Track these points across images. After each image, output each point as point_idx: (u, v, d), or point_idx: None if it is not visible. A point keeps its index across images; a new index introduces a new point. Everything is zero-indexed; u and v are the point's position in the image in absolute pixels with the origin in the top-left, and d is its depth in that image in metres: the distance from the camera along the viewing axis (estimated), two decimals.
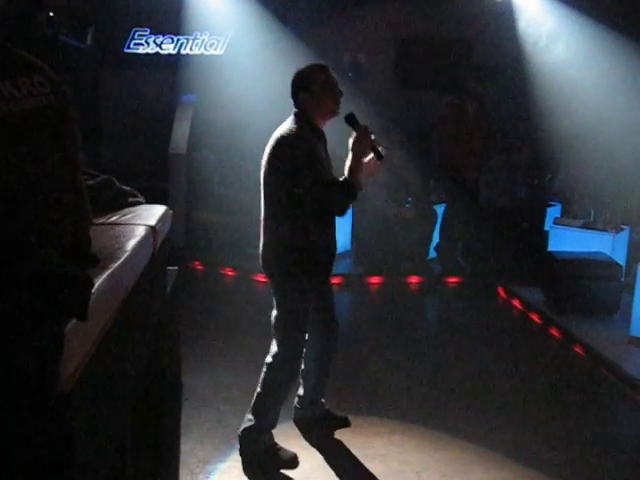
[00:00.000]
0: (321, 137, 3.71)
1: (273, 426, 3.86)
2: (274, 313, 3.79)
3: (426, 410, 4.51)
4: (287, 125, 3.61)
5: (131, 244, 2.18)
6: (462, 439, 4.14)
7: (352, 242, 8.31)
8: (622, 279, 6.55)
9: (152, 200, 3.02)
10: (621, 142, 7.61)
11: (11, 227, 1.57)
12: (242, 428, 3.83)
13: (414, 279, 7.72)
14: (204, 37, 9.00)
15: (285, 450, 3.82)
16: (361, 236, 8.13)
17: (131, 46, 8.98)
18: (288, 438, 3.97)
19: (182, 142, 8.04)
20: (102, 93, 9.18)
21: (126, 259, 2.04)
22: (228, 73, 8.53)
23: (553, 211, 8.13)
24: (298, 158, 3.50)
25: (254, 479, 3.68)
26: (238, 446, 3.84)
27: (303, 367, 4.06)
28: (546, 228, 7.74)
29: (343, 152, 3.70)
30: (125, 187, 2.89)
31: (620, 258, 6.92)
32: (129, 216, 2.60)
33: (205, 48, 9.01)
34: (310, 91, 3.61)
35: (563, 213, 8.11)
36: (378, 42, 9.58)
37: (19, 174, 1.61)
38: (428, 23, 9.50)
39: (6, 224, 1.57)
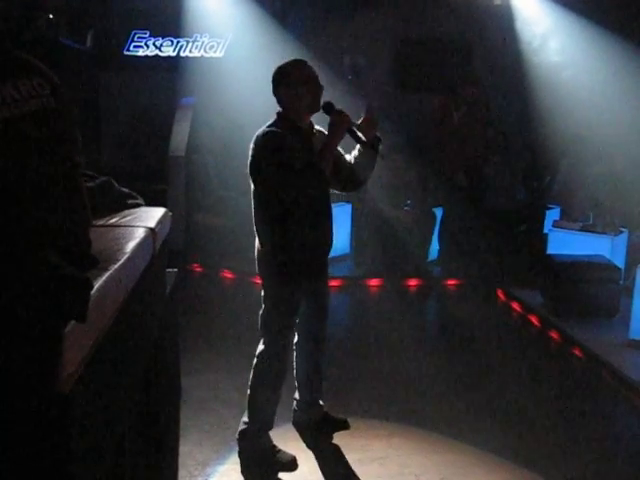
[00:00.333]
0: (301, 133, 3.65)
1: (269, 427, 3.85)
2: (260, 311, 3.80)
3: (425, 413, 4.51)
4: (263, 127, 3.63)
5: (131, 246, 2.18)
6: (462, 442, 4.14)
7: (351, 245, 8.31)
8: (621, 282, 6.55)
9: (151, 202, 3.02)
10: (620, 145, 7.61)
11: (11, 228, 1.57)
12: (239, 430, 3.84)
13: (413, 282, 7.72)
14: (204, 39, 8.99)
15: (284, 453, 3.82)
16: (360, 239, 8.13)
17: (131, 48, 8.98)
18: (287, 441, 3.96)
19: (181, 144, 8.04)
20: (102, 95, 9.17)
21: (125, 261, 2.04)
22: (228, 75, 8.52)
23: (552, 214, 8.13)
24: (265, 153, 3.52)
25: None
26: (237, 448, 3.85)
27: (295, 370, 4.07)
28: (545, 231, 7.74)
29: None
30: (124, 189, 2.89)
31: (619, 261, 6.92)
32: (129, 218, 2.60)
33: (205, 50, 9.00)
34: (288, 85, 3.61)
35: (562, 216, 8.12)
36: (377, 44, 9.58)
37: (19, 176, 1.61)
38: (427, 25, 9.51)
39: (6, 225, 1.57)
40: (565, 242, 7.22)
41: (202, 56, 9.00)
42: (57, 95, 1.80)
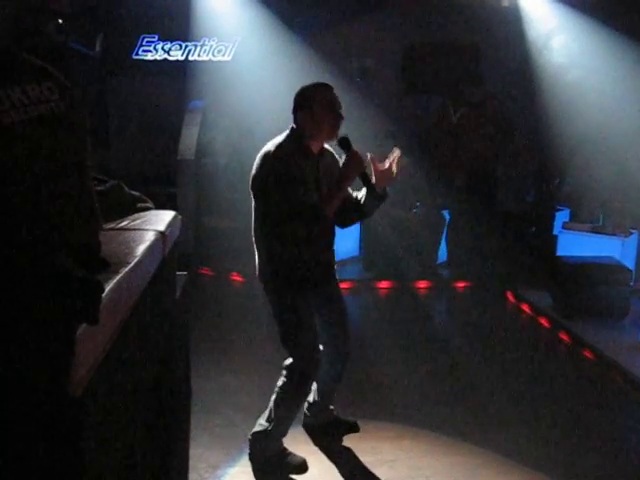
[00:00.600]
0: (313, 157, 3.61)
1: (283, 434, 3.86)
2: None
3: (435, 415, 4.50)
4: (275, 141, 3.58)
5: (141, 249, 2.19)
6: (472, 444, 4.13)
7: (360, 248, 8.31)
8: (631, 283, 6.53)
9: (161, 206, 3.03)
10: (629, 146, 7.59)
11: (22, 233, 1.58)
12: (253, 431, 3.84)
13: (423, 284, 7.72)
14: (212, 43, 9.01)
15: (294, 455, 3.82)
16: (369, 241, 8.13)
17: (139, 53, 9.01)
18: (297, 443, 3.97)
19: (191, 148, 8.06)
20: (111, 99, 9.21)
21: (136, 264, 2.04)
22: (236, 79, 8.54)
23: (562, 216, 8.12)
24: (270, 179, 3.48)
25: None
26: (247, 451, 3.85)
27: (319, 377, 4.06)
28: (555, 233, 7.73)
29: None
30: (134, 193, 2.90)
31: (629, 262, 6.91)
32: (138, 221, 2.61)
33: (213, 54, 9.02)
34: (310, 109, 3.54)
35: (572, 218, 8.10)
36: (385, 47, 9.58)
37: (29, 180, 1.62)
38: (435, 28, 9.49)
39: (16, 230, 1.58)
40: (575, 244, 7.21)
41: (210, 60, 9.01)
42: (67, 99, 1.80)
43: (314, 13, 9.22)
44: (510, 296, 7.30)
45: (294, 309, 3.68)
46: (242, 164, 7.89)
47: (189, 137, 8.12)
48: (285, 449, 3.84)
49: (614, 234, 7.09)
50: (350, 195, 3.78)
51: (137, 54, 9.00)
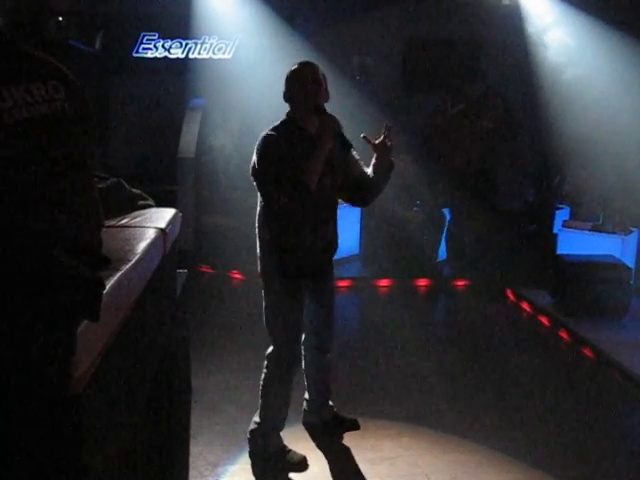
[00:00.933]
0: (310, 137, 3.59)
1: (279, 428, 3.86)
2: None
3: (435, 412, 4.51)
4: (271, 125, 3.64)
5: (141, 246, 2.19)
6: (472, 441, 4.14)
7: (360, 245, 8.31)
8: (631, 282, 6.53)
9: (161, 203, 3.03)
10: (629, 144, 7.59)
11: (23, 230, 1.58)
12: (249, 429, 3.86)
13: (423, 282, 7.72)
14: (212, 41, 9.01)
15: (294, 453, 3.83)
16: (369, 239, 8.13)
17: (140, 50, 9.01)
18: (297, 441, 3.97)
19: (191, 146, 8.06)
20: (111, 97, 9.21)
21: (137, 261, 2.04)
22: (236, 77, 8.54)
23: (562, 214, 8.11)
24: (256, 156, 3.53)
25: None
26: (247, 449, 3.86)
27: (304, 370, 4.08)
28: (555, 231, 7.73)
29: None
30: (135, 190, 2.90)
31: (629, 261, 6.91)
32: (139, 219, 2.61)
33: (213, 52, 9.02)
34: (288, 89, 3.64)
35: (572, 216, 8.10)
36: (386, 45, 9.57)
37: (30, 179, 1.62)
38: (435, 26, 9.49)
39: (18, 227, 1.58)
40: (575, 242, 7.21)
41: (211, 58, 9.02)
42: (72, 98, 1.80)
43: (314, 11, 9.22)
44: (510, 294, 7.30)
45: (280, 297, 3.70)
46: (242, 161, 7.91)
47: (189, 135, 8.13)
48: (285, 446, 3.85)
49: (614, 232, 7.09)
50: (355, 167, 3.80)
51: (137, 52, 9.01)
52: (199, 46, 9.03)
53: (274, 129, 3.59)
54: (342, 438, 4.11)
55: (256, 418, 3.86)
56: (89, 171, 1.87)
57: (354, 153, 3.81)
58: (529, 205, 8.21)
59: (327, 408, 4.17)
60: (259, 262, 3.78)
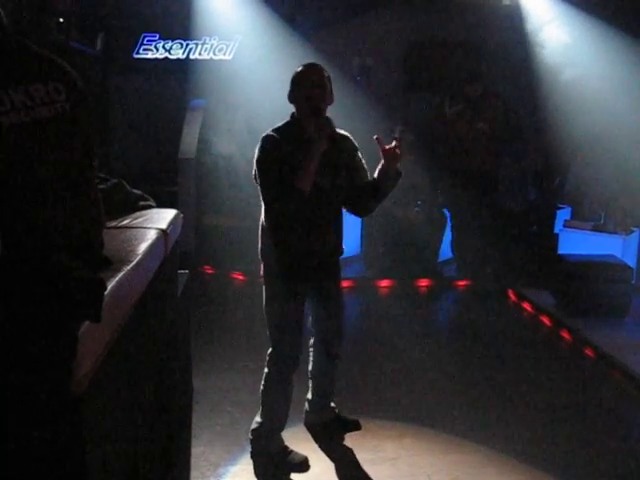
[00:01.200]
0: (307, 141, 3.55)
1: (280, 428, 3.87)
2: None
3: (437, 413, 4.50)
4: (274, 126, 3.65)
5: (143, 247, 2.19)
6: (473, 442, 4.13)
7: (361, 246, 8.31)
8: (633, 281, 6.53)
9: (162, 204, 3.04)
10: (631, 144, 7.58)
11: (25, 231, 1.58)
12: (250, 429, 3.87)
13: (424, 282, 7.72)
14: (213, 42, 9.01)
15: (296, 453, 3.83)
16: (370, 240, 8.13)
17: (140, 51, 9.01)
18: (299, 441, 3.97)
19: (192, 147, 8.06)
20: (112, 98, 9.21)
21: (138, 262, 2.05)
22: (237, 78, 8.54)
23: (563, 214, 8.11)
24: (256, 156, 3.54)
25: None
26: (249, 449, 3.86)
27: (310, 370, 4.08)
28: (556, 231, 7.72)
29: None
30: (136, 191, 2.91)
31: (630, 260, 6.90)
32: (140, 220, 2.62)
33: (214, 53, 9.02)
34: (291, 91, 3.64)
35: (573, 216, 8.09)
36: (386, 46, 9.57)
37: (31, 180, 1.62)
38: (436, 26, 9.49)
39: (20, 229, 1.58)
40: (576, 242, 7.21)
41: (211, 58, 9.02)
42: (73, 99, 1.79)
43: (315, 11, 9.22)
44: (511, 294, 7.30)
45: (279, 299, 3.70)
46: (243, 162, 7.91)
47: (190, 136, 8.12)
48: (287, 447, 3.85)
49: (615, 232, 7.09)
50: (365, 180, 3.78)
51: (138, 53, 9.00)
52: (200, 47, 9.02)
53: (276, 130, 3.59)
54: (343, 439, 4.10)
55: (257, 418, 3.87)
56: (91, 172, 1.87)
57: (361, 159, 3.80)
58: (530, 205, 8.20)
59: (329, 409, 4.17)
60: (261, 263, 3.78)
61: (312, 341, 4.04)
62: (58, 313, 1.47)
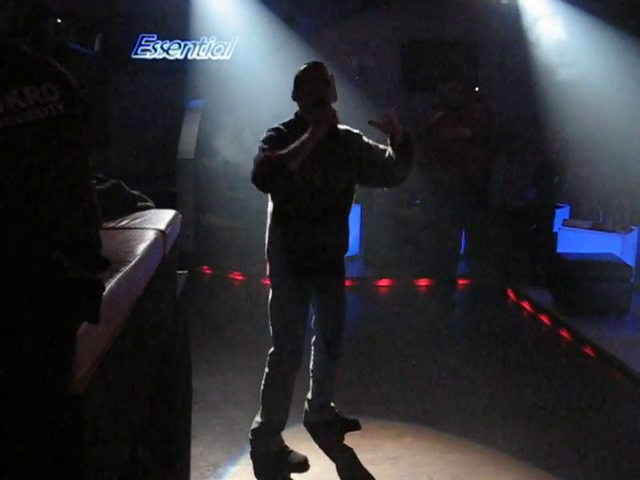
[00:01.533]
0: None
1: (280, 428, 3.87)
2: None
3: (436, 412, 4.50)
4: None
5: (141, 248, 2.19)
6: (473, 441, 4.13)
7: (361, 245, 8.32)
8: (632, 280, 6.53)
9: (161, 205, 3.03)
10: (629, 142, 7.59)
11: (22, 232, 1.58)
12: (251, 429, 3.87)
13: (423, 281, 7.72)
14: (211, 42, 9.02)
15: (295, 453, 3.83)
16: (370, 239, 8.14)
17: (139, 52, 9.02)
18: (298, 441, 3.97)
19: (190, 147, 8.07)
20: (110, 99, 9.22)
21: (136, 263, 2.04)
22: (235, 78, 8.55)
23: (562, 213, 8.11)
24: (259, 143, 3.53)
25: None
26: (249, 449, 3.86)
27: (311, 369, 4.08)
28: (555, 230, 7.73)
29: None
30: (134, 191, 2.90)
31: (629, 259, 6.91)
32: (139, 220, 2.61)
33: (212, 53, 9.03)
34: (295, 89, 3.65)
35: (572, 215, 8.10)
36: (384, 45, 9.58)
37: (27, 182, 1.62)
38: (434, 26, 9.49)
39: (17, 230, 1.58)
40: (575, 241, 7.21)
41: (210, 59, 9.03)
42: (68, 100, 1.79)
43: (313, 11, 9.23)
44: (511, 293, 7.31)
45: (284, 297, 3.70)
46: (242, 162, 7.91)
47: (189, 136, 8.13)
48: (286, 447, 3.85)
49: (614, 231, 7.09)
50: (383, 152, 3.73)
51: (136, 53, 9.02)
52: (198, 47, 9.04)
53: (282, 124, 3.61)
54: (343, 438, 4.10)
55: (258, 418, 3.88)
56: (88, 172, 1.87)
57: (367, 140, 3.77)
58: (529, 204, 8.21)
59: (328, 409, 4.17)
60: (267, 263, 3.78)
61: (314, 339, 4.04)
62: (56, 314, 1.47)
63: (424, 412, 4.50)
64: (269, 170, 3.35)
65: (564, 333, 6.15)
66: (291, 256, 3.66)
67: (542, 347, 5.94)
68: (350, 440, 4.09)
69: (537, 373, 5.24)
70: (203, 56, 9.05)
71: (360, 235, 8.30)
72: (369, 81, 9.51)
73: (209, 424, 4.21)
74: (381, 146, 3.76)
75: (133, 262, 2.02)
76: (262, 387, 3.85)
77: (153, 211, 2.84)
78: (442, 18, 9.40)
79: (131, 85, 9.08)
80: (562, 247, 7.30)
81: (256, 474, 3.72)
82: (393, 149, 3.64)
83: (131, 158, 8.78)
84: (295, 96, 3.67)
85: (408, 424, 4.35)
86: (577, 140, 7.94)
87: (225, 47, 9.02)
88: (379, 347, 5.72)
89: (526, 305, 6.98)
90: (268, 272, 3.79)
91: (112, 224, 2.49)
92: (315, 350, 4.05)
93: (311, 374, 4.10)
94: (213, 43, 9.03)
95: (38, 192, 1.64)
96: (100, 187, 2.56)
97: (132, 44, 9.01)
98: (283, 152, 3.35)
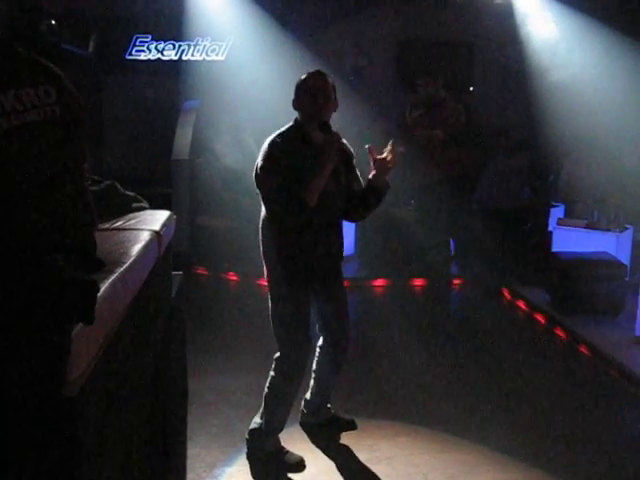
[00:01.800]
0: (311, 146, 3.59)
1: (279, 430, 3.86)
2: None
3: (432, 412, 4.50)
4: (279, 130, 3.64)
5: (136, 249, 2.19)
6: (469, 440, 4.14)
7: (356, 245, 8.31)
8: (627, 278, 6.54)
9: (156, 206, 3.03)
10: (623, 141, 7.60)
11: (18, 234, 1.58)
12: (249, 429, 3.86)
13: (419, 281, 7.72)
14: (205, 43, 9.02)
15: (292, 454, 3.83)
16: (365, 239, 8.13)
17: (133, 53, 9.01)
18: (295, 442, 3.97)
19: (185, 148, 8.05)
20: (105, 100, 9.21)
21: (131, 264, 2.04)
22: (230, 78, 8.54)
23: (557, 212, 8.11)
24: (260, 164, 3.53)
25: None
26: (245, 450, 3.85)
27: (314, 371, 4.08)
28: (550, 229, 7.73)
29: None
30: (129, 192, 2.90)
31: (624, 258, 6.91)
32: (133, 221, 2.61)
33: (207, 54, 9.02)
34: (297, 97, 3.63)
35: (567, 214, 8.10)
36: (379, 45, 9.59)
37: (22, 184, 1.62)
38: (429, 26, 9.50)
39: (12, 231, 1.58)
40: (570, 239, 7.21)
41: (204, 59, 9.02)
42: (64, 101, 1.79)
43: (307, 12, 9.23)
44: (506, 293, 7.31)
45: (289, 301, 3.69)
46: (236, 163, 7.91)
47: (183, 137, 8.12)
48: (283, 447, 3.85)
49: (609, 230, 7.10)
50: (360, 187, 3.79)
51: (130, 54, 9.00)
52: (192, 48, 9.03)
53: (280, 135, 3.58)
54: (339, 438, 4.10)
55: (257, 419, 3.86)
56: (82, 174, 1.87)
57: (355, 167, 3.83)
58: (524, 203, 8.21)
59: (325, 409, 4.17)
60: (264, 267, 3.76)
61: (320, 342, 4.02)
62: (51, 315, 1.47)
63: (420, 412, 4.50)
64: (291, 209, 3.43)
65: (559, 332, 6.16)
66: (291, 264, 3.65)
67: (537, 346, 5.95)
68: (346, 440, 4.09)
69: (532, 372, 5.25)
70: (197, 57, 9.04)
71: (355, 236, 8.29)
72: (363, 82, 9.51)
73: (205, 425, 4.20)
74: (360, 183, 3.82)
75: (128, 263, 2.02)
76: (266, 389, 3.82)
77: (148, 212, 2.84)
78: (437, 18, 9.41)
79: (125, 86, 9.07)
80: (557, 246, 7.31)
81: (252, 475, 3.71)
82: (367, 188, 3.71)
83: (125, 159, 8.77)
84: (295, 106, 3.65)
85: (404, 424, 4.35)
86: (571, 139, 7.96)
87: (219, 48, 9.01)
88: (374, 347, 5.72)
89: (521, 304, 6.99)
90: (266, 277, 3.77)
91: (107, 225, 2.49)
92: (321, 353, 4.03)
93: (313, 374, 4.09)
94: (207, 44, 9.02)
95: (34, 193, 1.64)
96: (95, 188, 2.56)
97: (126, 45, 8.99)
98: (306, 196, 3.42)
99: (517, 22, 8.90)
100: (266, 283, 3.80)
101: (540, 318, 6.58)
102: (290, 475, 3.73)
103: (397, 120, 7.79)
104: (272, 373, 3.81)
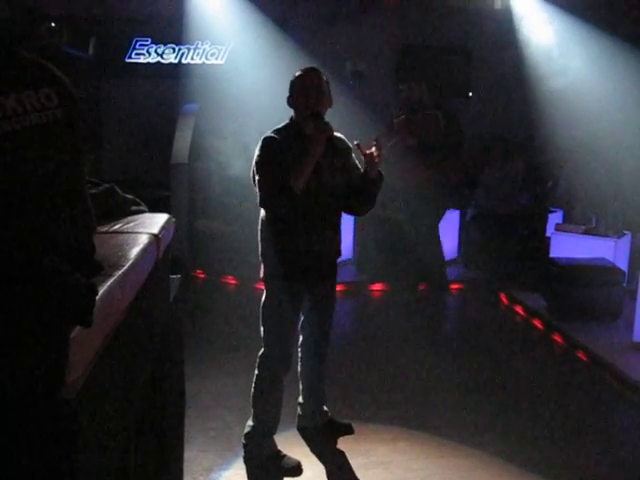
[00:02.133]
0: (305, 141, 3.61)
1: (272, 431, 3.87)
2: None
3: (430, 417, 4.51)
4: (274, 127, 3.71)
5: (134, 252, 2.19)
6: (466, 445, 4.14)
7: (354, 249, 8.32)
8: (624, 284, 6.54)
9: (154, 209, 3.03)
10: (622, 147, 7.61)
11: (16, 236, 1.58)
12: (244, 433, 3.88)
13: (417, 286, 7.71)
14: (205, 46, 9.03)
15: (289, 458, 3.83)
16: (362, 243, 8.13)
17: (133, 56, 9.02)
18: (292, 446, 3.97)
19: (184, 151, 8.05)
20: (104, 103, 9.20)
21: (129, 267, 2.04)
22: (229, 82, 8.54)
23: (555, 217, 8.13)
24: (255, 158, 3.60)
25: None
26: (242, 454, 3.86)
27: (299, 373, 4.10)
28: (548, 234, 7.74)
29: None
30: (128, 196, 2.90)
31: (622, 263, 6.92)
32: (132, 224, 2.61)
33: (206, 57, 9.04)
34: (290, 94, 3.71)
35: (565, 219, 8.12)
36: (379, 50, 9.59)
37: (23, 187, 1.62)
38: (428, 30, 9.52)
39: (11, 235, 1.58)
40: (568, 245, 7.22)
41: (204, 63, 9.03)
42: (65, 105, 1.78)
43: (307, 16, 9.24)
44: (504, 298, 7.31)
45: (277, 299, 3.73)
46: (235, 167, 7.91)
47: (182, 140, 8.11)
48: (279, 451, 3.85)
49: (607, 235, 7.10)
50: (354, 183, 3.81)
51: (130, 57, 9.01)
52: (192, 51, 9.04)
53: (276, 132, 3.66)
54: (336, 443, 4.10)
55: (250, 422, 3.88)
56: (82, 177, 1.87)
57: (355, 160, 3.86)
58: (522, 209, 8.22)
59: (321, 413, 4.17)
60: (262, 266, 3.80)
61: (300, 341, 4.05)
62: (49, 318, 1.47)
63: (417, 416, 4.50)
64: (277, 195, 3.49)
65: (557, 337, 6.16)
66: (287, 260, 3.67)
67: (535, 352, 5.95)
68: (343, 444, 4.09)
69: (530, 378, 5.25)
70: (197, 60, 9.05)
71: (353, 240, 8.30)
72: (363, 86, 9.51)
73: (202, 428, 4.20)
74: (360, 171, 3.83)
75: (126, 266, 2.02)
76: (252, 389, 3.86)
77: (146, 215, 2.83)
78: (437, 23, 9.42)
79: (125, 89, 9.06)
80: (555, 251, 7.32)
81: (249, 478, 3.71)
82: (363, 182, 3.74)
83: (125, 162, 8.77)
84: (289, 103, 3.72)
85: (401, 428, 4.35)
86: (570, 145, 7.97)
87: (219, 51, 9.03)
88: (372, 351, 5.72)
89: (519, 310, 6.99)
90: (262, 274, 3.80)
91: (105, 228, 2.49)
92: (303, 351, 4.07)
93: (299, 376, 4.11)
94: (207, 47, 9.04)
95: (33, 197, 1.64)
96: (93, 191, 2.56)
97: (126, 48, 9.01)
98: (292, 181, 3.47)
99: (516, 28, 8.92)
100: (262, 282, 3.82)
101: (538, 323, 6.58)
102: (287, 479, 3.73)
103: (387, 124, 7.81)
104: (256, 372, 3.84)
